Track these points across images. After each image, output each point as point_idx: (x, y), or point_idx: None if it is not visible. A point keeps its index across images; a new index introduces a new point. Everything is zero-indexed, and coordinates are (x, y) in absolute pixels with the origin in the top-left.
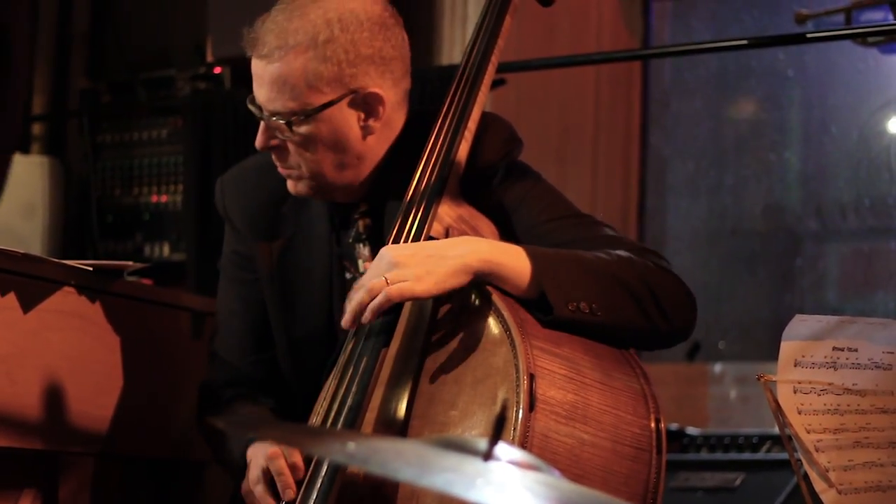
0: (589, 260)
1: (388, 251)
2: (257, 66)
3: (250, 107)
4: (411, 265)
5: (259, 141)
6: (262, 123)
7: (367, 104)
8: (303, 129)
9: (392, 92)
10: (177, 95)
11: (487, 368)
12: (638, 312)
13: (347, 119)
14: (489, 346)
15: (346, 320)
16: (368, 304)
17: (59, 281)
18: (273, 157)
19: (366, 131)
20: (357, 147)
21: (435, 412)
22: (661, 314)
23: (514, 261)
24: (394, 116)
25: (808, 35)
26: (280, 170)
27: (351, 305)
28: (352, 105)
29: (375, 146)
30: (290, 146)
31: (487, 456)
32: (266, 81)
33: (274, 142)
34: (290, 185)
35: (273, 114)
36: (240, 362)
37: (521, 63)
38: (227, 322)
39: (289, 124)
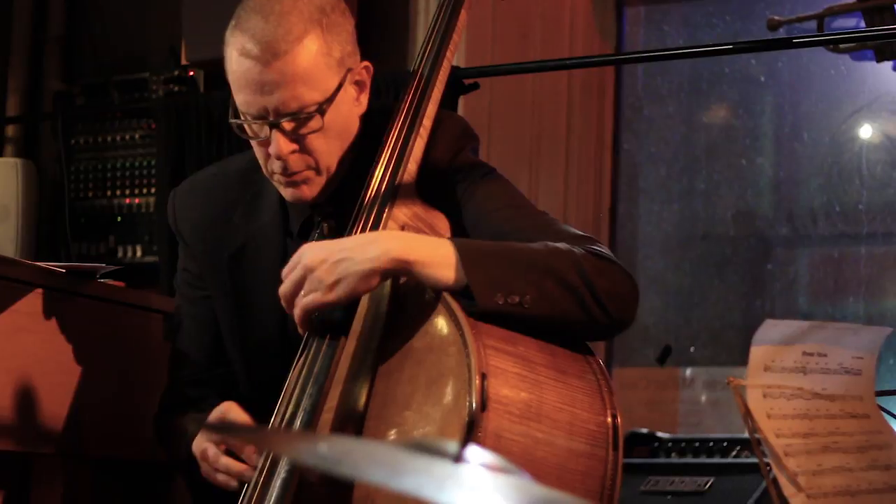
0: (521, 251)
1: (304, 255)
2: (270, 73)
3: (252, 126)
4: (322, 273)
5: (284, 148)
6: (275, 133)
7: (360, 79)
8: (328, 117)
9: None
10: (150, 98)
11: (441, 368)
12: (573, 304)
13: (350, 98)
14: (443, 345)
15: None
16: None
17: (32, 283)
18: (285, 165)
19: (359, 108)
20: (354, 128)
21: (390, 412)
22: (598, 305)
23: (434, 254)
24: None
25: (794, 40)
26: (288, 179)
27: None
28: (351, 83)
29: (356, 127)
30: (313, 142)
31: (457, 458)
32: (288, 80)
33: (293, 146)
34: (292, 192)
35: (298, 112)
36: (195, 374)
37: (494, 68)
38: (180, 338)
39: (321, 113)
